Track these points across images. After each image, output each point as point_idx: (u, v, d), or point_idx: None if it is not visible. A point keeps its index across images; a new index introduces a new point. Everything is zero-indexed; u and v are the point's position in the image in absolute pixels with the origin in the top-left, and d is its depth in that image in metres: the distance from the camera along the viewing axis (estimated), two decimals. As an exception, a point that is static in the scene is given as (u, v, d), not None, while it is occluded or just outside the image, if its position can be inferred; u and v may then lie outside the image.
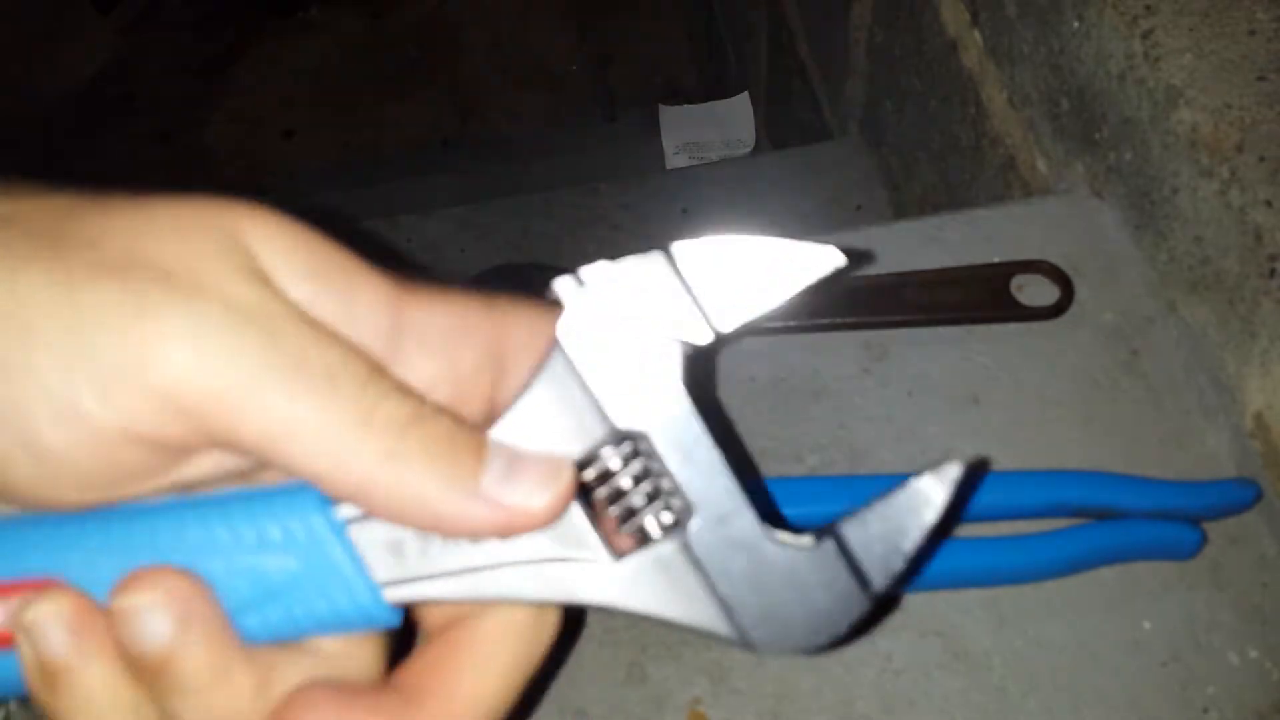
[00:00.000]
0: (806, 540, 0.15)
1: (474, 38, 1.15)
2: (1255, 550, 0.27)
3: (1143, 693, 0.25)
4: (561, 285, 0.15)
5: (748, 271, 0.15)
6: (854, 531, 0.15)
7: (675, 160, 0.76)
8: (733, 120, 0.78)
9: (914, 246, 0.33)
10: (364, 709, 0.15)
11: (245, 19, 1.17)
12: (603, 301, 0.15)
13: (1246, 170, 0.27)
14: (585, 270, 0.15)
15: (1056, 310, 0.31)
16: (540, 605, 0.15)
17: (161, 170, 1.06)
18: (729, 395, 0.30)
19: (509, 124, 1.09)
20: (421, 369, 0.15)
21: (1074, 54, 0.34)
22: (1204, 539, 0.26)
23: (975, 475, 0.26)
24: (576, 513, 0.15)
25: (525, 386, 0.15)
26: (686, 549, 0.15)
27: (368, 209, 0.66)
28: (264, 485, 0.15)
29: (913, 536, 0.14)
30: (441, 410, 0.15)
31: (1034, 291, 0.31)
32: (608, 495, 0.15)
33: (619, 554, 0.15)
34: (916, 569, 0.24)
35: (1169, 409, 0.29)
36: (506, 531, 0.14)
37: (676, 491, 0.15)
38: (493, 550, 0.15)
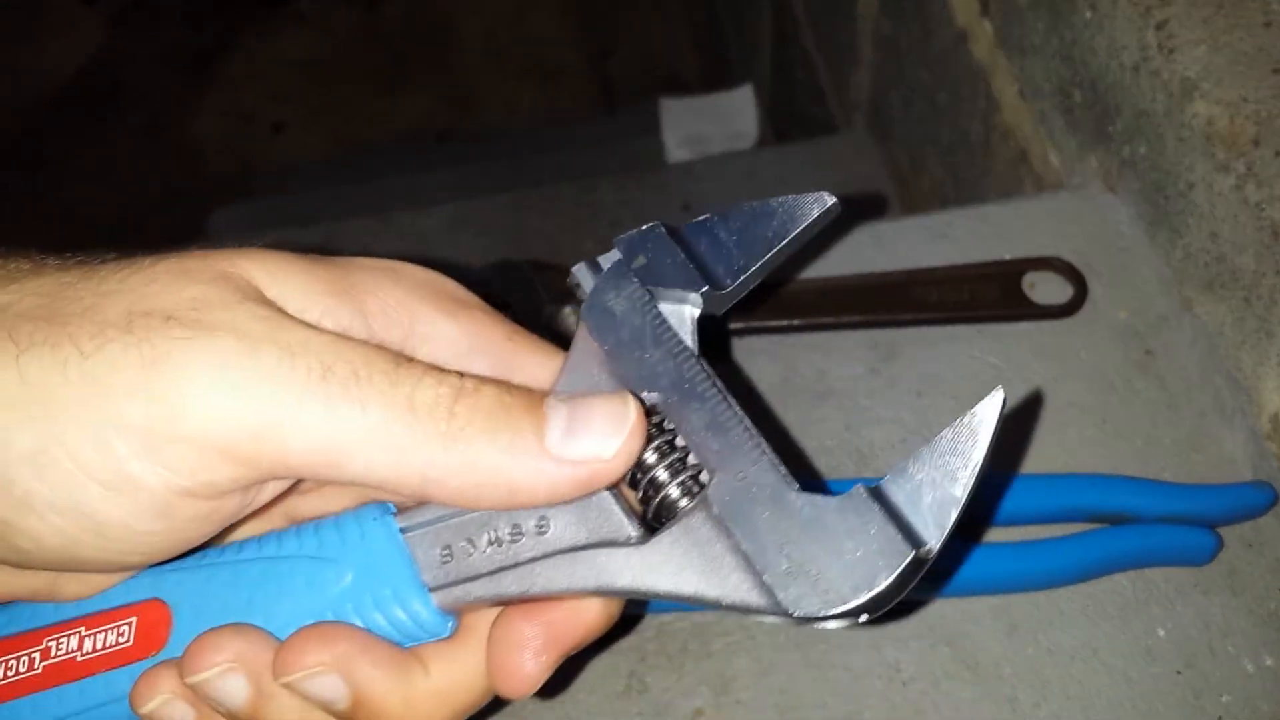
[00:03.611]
0: (840, 494, 0.14)
1: (469, 29, 1.14)
2: (1272, 555, 0.26)
3: (1156, 702, 0.24)
4: (579, 272, 0.16)
5: (745, 231, 0.15)
6: (897, 484, 0.13)
7: (676, 154, 0.75)
8: (735, 113, 0.77)
9: (922, 243, 0.32)
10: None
11: (234, 10, 1.16)
12: (618, 284, 0.15)
13: (1263, 165, 0.26)
14: (602, 258, 0.16)
15: (1069, 309, 0.30)
16: (584, 596, 0.15)
17: (149, 165, 1.04)
18: (733, 395, 0.29)
19: (505, 117, 1.08)
20: None
21: (1087, 45, 0.33)
22: (1220, 544, 0.25)
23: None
24: (609, 496, 0.15)
25: (555, 379, 0.15)
26: (710, 513, 0.14)
27: (360, 205, 0.65)
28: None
29: (962, 479, 0.13)
30: (485, 380, 0.14)
31: (1046, 289, 0.31)
32: (637, 473, 0.15)
33: (648, 532, 0.14)
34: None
35: (1184, 410, 0.29)
36: (588, 487, 0.14)
37: (699, 459, 0.14)
38: (528, 545, 0.15)
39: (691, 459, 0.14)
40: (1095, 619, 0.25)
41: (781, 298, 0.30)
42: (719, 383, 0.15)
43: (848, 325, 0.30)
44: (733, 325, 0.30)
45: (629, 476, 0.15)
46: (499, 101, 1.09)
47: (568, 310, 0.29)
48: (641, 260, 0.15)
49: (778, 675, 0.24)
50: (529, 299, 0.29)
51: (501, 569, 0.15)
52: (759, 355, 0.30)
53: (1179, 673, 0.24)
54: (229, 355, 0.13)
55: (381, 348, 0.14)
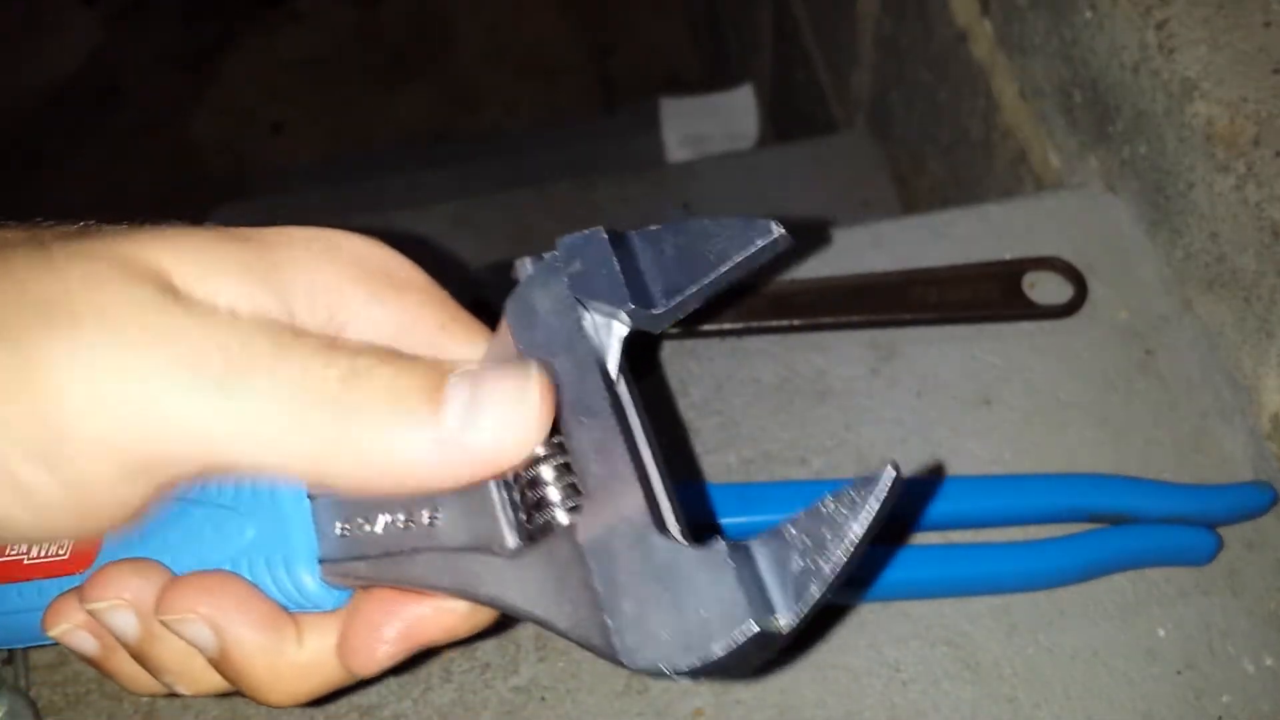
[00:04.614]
0: (708, 544, 0.12)
1: (468, 27, 1.14)
2: (1273, 555, 0.26)
3: (1156, 702, 0.24)
4: (521, 266, 0.15)
5: (688, 250, 0.14)
6: (768, 546, 0.12)
7: (676, 154, 0.75)
8: (735, 112, 0.77)
9: (923, 242, 0.32)
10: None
11: (233, 9, 1.15)
12: (546, 283, 0.14)
13: (1263, 165, 0.26)
14: (547, 255, 0.15)
15: (1069, 309, 0.30)
16: (448, 596, 0.15)
17: (147, 164, 1.04)
18: (732, 396, 0.29)
19: (504, 116, 1.08)
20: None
21: (1087, 45, 0.33)
22: (1220, 544, 0.25)
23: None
24: (496, 502, 0.14)
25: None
26: (574, 540, 0.13)
27: (359, 204, 0.65)
28: None
29: (834, 555, 0.12)
30: (384, 357, 0.13)
31: (1046, 289, 0.31)
32: (525, 484, 0.14)
33: (525, 544, 0.14)
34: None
35: (1185, 410, 0.29)
36: (486, 472, 0.13)
37: (578, 478, 0.14)
38: (415, 534, 0.14)
39: (576, 477, 0.14)
40: (1095, 619, 0.25)
41: (781, 298, 0.30)
42: (620, 403, 0.14)
43: (848, 325, 0.30)
44: (733, 325, 0.30)
45: (526, 483, 0.14)
46: (499, 101, 1.09)
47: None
48: (577, 266, 0.14)
49: (778, 675, 0.24)
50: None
51: (387, 553, 0.14)
52: (759, 355, 0.30)
53: (1179, 673, 0.24)
54: (99, 350, 0.12)
55: (267, 328, 0.13)
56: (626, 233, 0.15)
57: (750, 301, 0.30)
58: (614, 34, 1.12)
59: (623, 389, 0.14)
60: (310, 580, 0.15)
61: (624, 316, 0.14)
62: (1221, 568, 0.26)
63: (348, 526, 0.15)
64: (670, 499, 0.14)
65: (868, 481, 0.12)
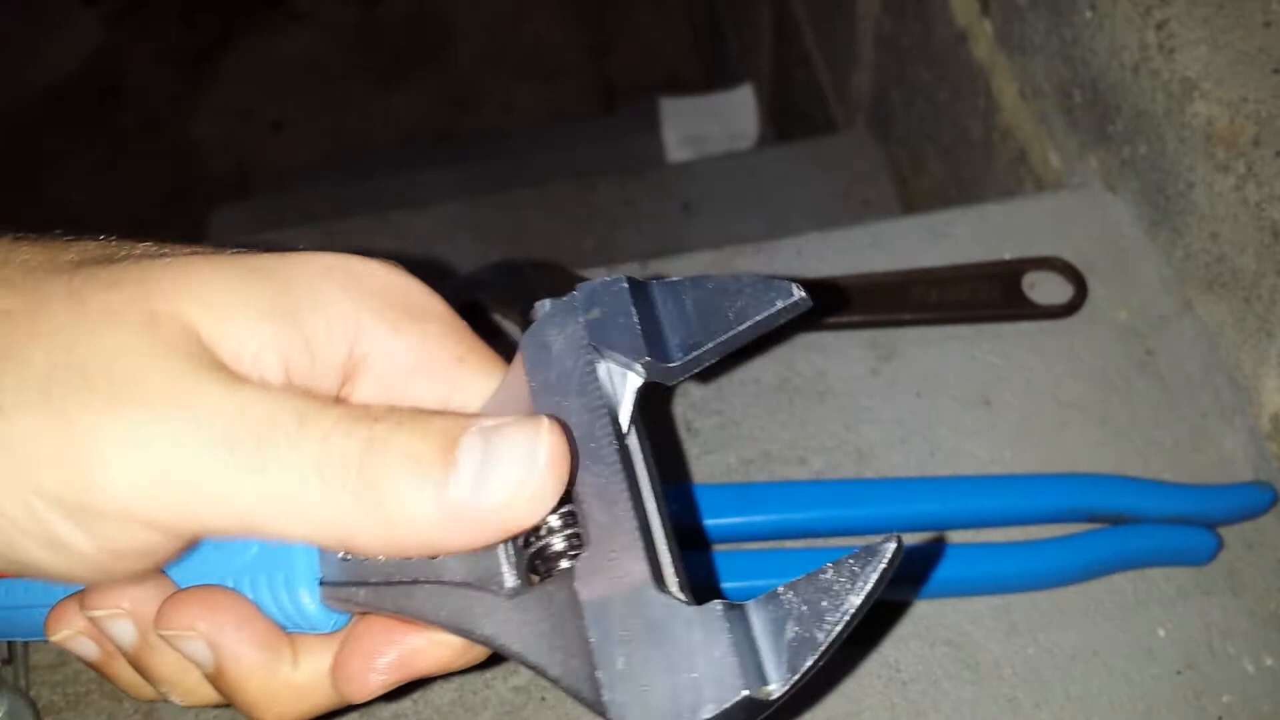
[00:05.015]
0: (707, 604, 0.12)
1: (468, 27, 1.14)
2: (1273, 555, 0.26)
3: (1156, 702, 0.24)
4: (540, 306, 0.15)
5: (708, 305, 0.14)
6: (763, 610, 0.12)
7: (676, 154, 0.75)
8: (735, 112, 0.77)
9: (923, 242, 0.32)
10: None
11: (233, 9, 1.15)
12: (563, 324, 0.15)
13: (1263, 165, 0.26)
14: (561, 300, 0.15)
15: (1070, 308, 0.30)
16: (446, 632, 0.15)
17: (148, 164, 1.04)
18: (732, 396, 0.29)
19: (504, 116, 1.08)
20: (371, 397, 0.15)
21: (1087, 45, 0.33)
22: (1220, 544, 0.25)
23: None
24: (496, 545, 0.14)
25: (487, 401, 0.15)
26: (571, 588, 0.13)
27: (360, 204, 0.65)
28: None
29: (829, 625, 0.12)
30: (401, 419, 0.14)
31: (1046, 289, 0.31)
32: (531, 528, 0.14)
33: (524, 585, 0.14)
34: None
35: (1185, 410, 0.29)
36: (501, 535, 0.13)
37: (581, 524, 0.14)
38: (417, 566, 0.14)
39: (578, 523, 0.14)
40: (1095, 619, 0.25)
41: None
42: (629, 453, 0.14)
43: (847, 325, 0.30)
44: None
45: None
46: (499, 101, 1.09)
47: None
48: (595, 313, 0.15)
49: (778, 675, 0.24)
50: (528, 299, 0.29)
51: (388, 581, 0.15)
52: (759, 355, 0.30)
53: (1179, 673, 0.24)
54: (139, 425, 0.13)
55: (292, 399, 0.14)
56: (647, 283, 0.15)
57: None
58: (614, 34, 1.12)
59: (633, 440, 0.14)
60: (310, 602, 0.15)
61: (639, 368, 0.14)
62: (1221, 568, 0.26)
63: (350, 552, 0.15)
64: (673, 555, 0.13)
65: (869, 552, 0.12)
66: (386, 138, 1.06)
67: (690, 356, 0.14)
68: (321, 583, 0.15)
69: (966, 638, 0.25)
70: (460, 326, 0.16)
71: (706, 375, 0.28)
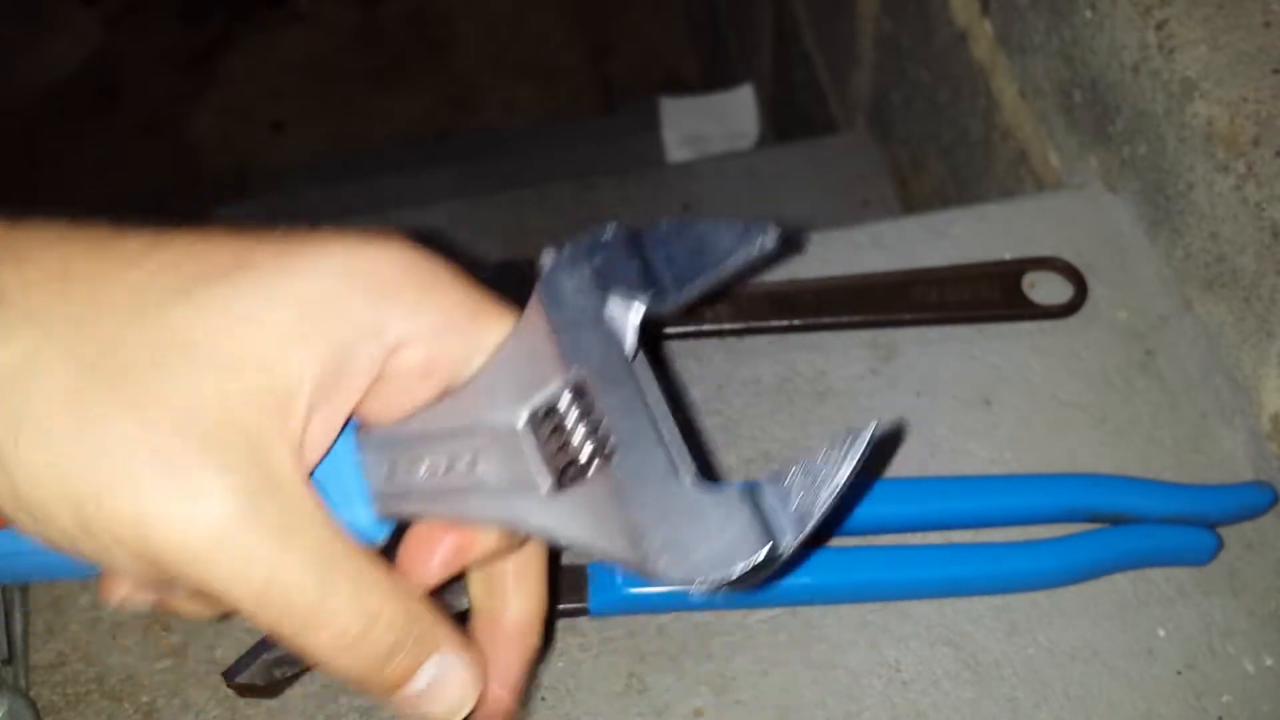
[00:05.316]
0: (719, 487, 0.16)
1: (468, 27, 1.14)
2: (1272, 555, 0.26)
3: (1156, 702, 0.24)
4: (547, 254, 0.18)
5: (695, 249, 0.17)
6: (770, 489, 0.15)
7: (676, 154, 0.75)
8: (735, 112, 0.77)
9: (923, 242, 0.32)
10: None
11: (233, 9, 1.15)
12: (573, 269, 0.17)
13: (1263, 165, 0.26)
14: (568, 244, 0.18)
15: (1069, 308, 0.30)
16: (497, 528, 0.17)
17: (147, 164, 1.04)
18: (732, 396, 0.29)
19: (504, 116, 1.08)
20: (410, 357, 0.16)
21: (1087, 45, 0.33)
22: (1220, 544, 0.25)
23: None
24: (531, 451, 0.17)
25: (504, 340, 0.17)
26: (610, 484, 0.16)
27: (360, 204, 0.65)
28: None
29: (824, 495, 0.15)
30: (399, 624, 0.16)
31: (1046, 289, 0.31)
32: (554, 431, 0.17)
33: (558, 488, 0.17)
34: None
35: (1185, 410, 0.29)
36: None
37: (609, 434, 0.16)
38: (460, 476, 0.17)
39: (604, 432, 0.16)
40: (1095, 619, 0.25)
41: (781, 298, 0.30)
42: (639, 372, 0.17)
43: (848, 325, 0.30)
44: (733, 325, 0.30)
45: (552, 430, 0.17)
46: (499, 101, 1.09)
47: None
48: (598, 258, 0.17)
49: (778, 675, 0.24)
50: (528, 299, 0.29)
51: (439, 491, 0.17)
52: (759, 355, 0.30)
53: (1179, 673, 0.24)
54: (214, 519, 0.14)
55: (331, 550, 0.15)
56: (636, 231, 0.18)
57: (750, 301, 0.30)
58: (614, 34, 1.12)
59: (639, 362, 0.17)
60: (364, 511, 0.17)
61: (640, 302, 0.17)
62: (1221, 568, 0.26)
63: (393, 468, 0.17)
64: (685, 452, 0.16)
65: (851, 434, 0.15)
66: (387, 138, 1.06)
67: (683, 291, 0.17)
68: (372, 497, 0.17)
69: (966, 638, 0.25)
70: (467, 285, 0.18)
71: (694, 332, 0.29)
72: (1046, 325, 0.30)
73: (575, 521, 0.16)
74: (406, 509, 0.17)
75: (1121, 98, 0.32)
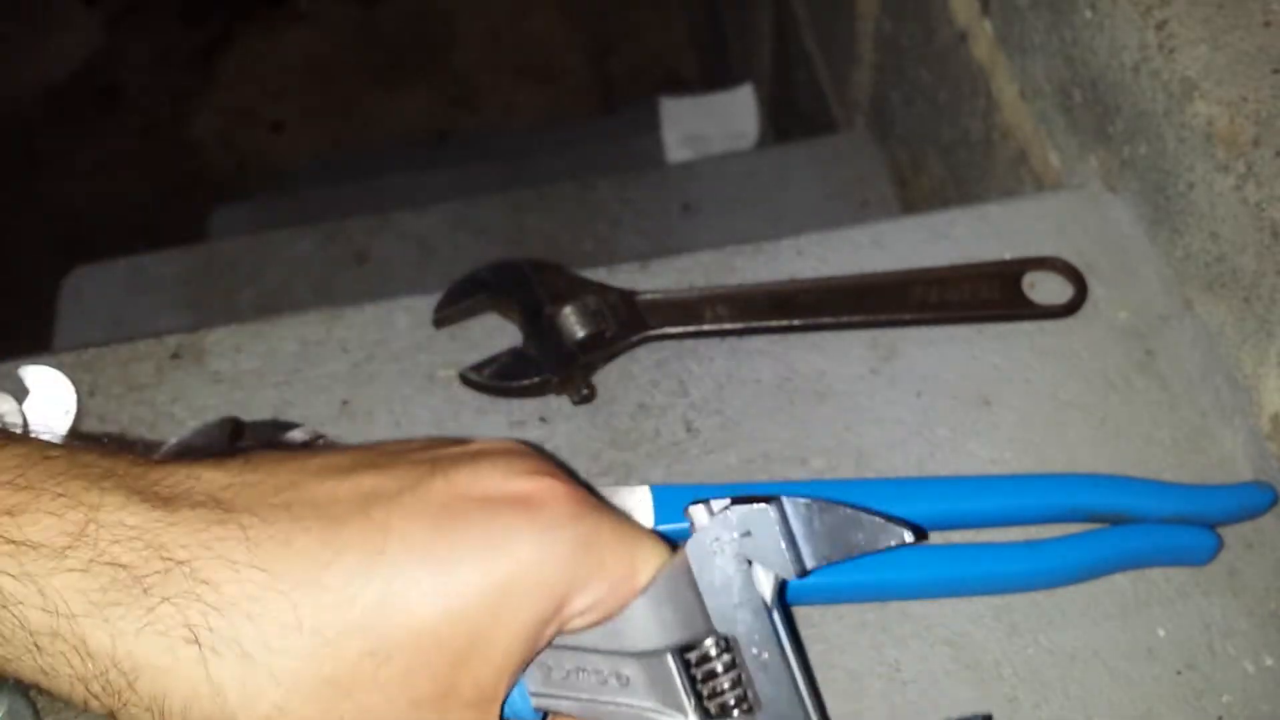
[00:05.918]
0: None
1: (469, 28, 1.14)
2: (1272, 555, 0.26)
3: (1156, 702, 0.24)
4: (695, 512, 0.20)
5: (835, 532, 0.20)
6: None
7: (676, 154, 0.75)
8: (735, 112, 0.77)
9: (922, 242, 0.32)
10: None
11: (233, 9, 1.15)
12: (720, 535, 0.20)
13: (1263, 165, 0.26)
14: (715, 504, 0.20)
15: (1070, 309, 0.30)
16: None
17: (148, 164, 1.04)
18: (732, 396, 0.29)
19: (504, 116, 1.08)
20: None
21: (1087, 45, 0.33)
22: (1220, 544, 0.25)
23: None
24: (678, 684, 0.19)
25: (651, 582, 0.19)
26: None
27: (360, 204, 0.65)
28: None
29: None
30: None
31: (1046, 289, 0.31)
32: (702, 675, 0.20)
33: (707, 717, 0.19)
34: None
35: (1185, 410, 0.29)
36: None
37: (750, 688, 0.19)
38: (612, 689, 0.20)
39: (745, 679, 0.19)
40: (1095, 619, 0.25)
41: (781, 298, 0.30)
42: (785, 640, 0.19)
43: (848, 325, 0.30)
44: (733, 325, 0.30)
45: (702, 674, 0.19)
46: (499, 101, 1.09)
47: (567, 310, 0.29)
48: (749, 533, 0.19)
49: (778, 676, 0.24)
50: (528, 299, 0.29)
51: (592, 699, 0.20)
52: (759, 355, 0.30)
53: (1179, 673, 0.24)
54: None
55: None
56: (784, 501, 0.20)
57: (750, 301, 0.30)
58: (614, 34, 1.12)
59: (777, 619, 0.20)
60: (521, 702, 0.19)
61: (780, 570, 0.20)
62: (1221, 568, 0.26)
63: (548, 671, 0.19)
64: (821, 707, 0.20)
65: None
66: (387, 138, 1.06)
67: (817, 565, 0.20)
68: (530, 693, 0.20)
69: (966, 638, 0.25)
70: (615, 522, 0.19)
71: (694, 332, 0.29)
72: (1046, 325, 0.30)
73: None
74: (562, 706, 0.20)
75: (1121, 98, 0.32)
